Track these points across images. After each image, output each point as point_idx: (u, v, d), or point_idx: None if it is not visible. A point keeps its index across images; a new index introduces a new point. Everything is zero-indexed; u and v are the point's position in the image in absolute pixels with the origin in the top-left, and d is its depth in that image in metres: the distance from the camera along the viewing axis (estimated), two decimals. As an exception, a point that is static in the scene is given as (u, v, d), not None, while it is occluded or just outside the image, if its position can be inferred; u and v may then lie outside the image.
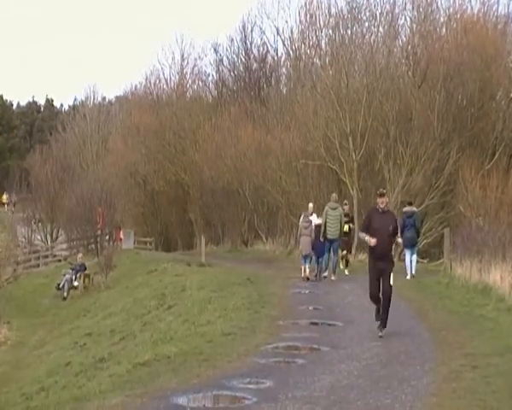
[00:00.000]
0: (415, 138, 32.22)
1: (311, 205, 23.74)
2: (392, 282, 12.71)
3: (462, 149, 32.13)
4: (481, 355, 10.58)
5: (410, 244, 22.44)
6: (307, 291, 19.39)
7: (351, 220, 25.02)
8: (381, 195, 13.14)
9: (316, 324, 14.33)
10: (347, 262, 24.71)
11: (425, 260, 29.19)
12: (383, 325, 12.79)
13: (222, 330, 13.07)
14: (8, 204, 61.51)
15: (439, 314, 15.02)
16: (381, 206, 13.00)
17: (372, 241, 12.59)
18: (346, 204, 24.78)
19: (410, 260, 22.74)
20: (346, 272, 23.80)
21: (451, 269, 20.61)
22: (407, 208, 22.99)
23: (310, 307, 16.50)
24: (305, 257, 22.17)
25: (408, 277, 22.11)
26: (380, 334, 12.71)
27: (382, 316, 12.80)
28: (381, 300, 12.77)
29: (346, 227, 23.30)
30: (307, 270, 22.06)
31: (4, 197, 63.30)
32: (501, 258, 18.32)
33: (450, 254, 21.94)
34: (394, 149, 32.57)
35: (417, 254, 23.97)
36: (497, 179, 27.97)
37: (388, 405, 8.04)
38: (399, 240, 13.67)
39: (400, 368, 9.96)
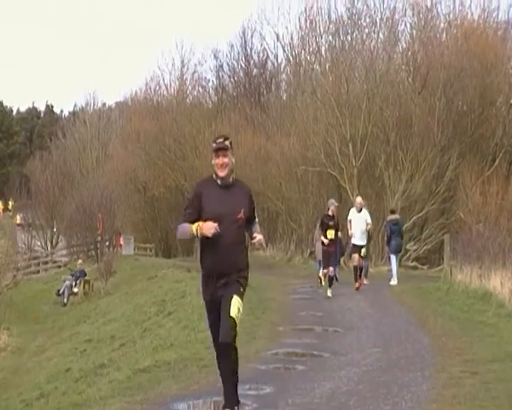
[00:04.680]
0: (415, 145, 32.26)
1: (358, 199, 21.14)
2: (235, 312, 6.76)
3: (463, 155, 32.16)
4: (481, 361, 10.55)
5: (397, 251, 23.05)
6: (307, 297, 19.36)
7: (336, 225, 18.81)
8: (220, 148, 6.78)
9: (316, 330, 14.30)
10: (331, 280, 18.90)
11: (425, 267, 29.20)
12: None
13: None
14: (22, 225, 52.69)
15: (439, 320, 14.99)
16: (221, 173, 6.82)
17: (209, 226, 6.66)
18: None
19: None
20: (329, 294, 18.61)
21: (452, 275, 20.61)
22: (392, 216, 23.35)
23: (310, 313, 16.48)
24: (320, 262, 22.04)
25: (394, 282, 22.17)
26: None
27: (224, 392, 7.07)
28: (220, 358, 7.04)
29: (329, 233, 18.53)
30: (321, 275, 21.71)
31: (18, 218, 55.83)
32: (501, 264, 18.33)
33: (451, 260, 21.99)
34: (394, 156, 32.61)
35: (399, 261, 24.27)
36: (497, 185, 28.02)
37: (388, 411, 8.02)
38: (258, 237, 7.07)
39: (400, 374, 9.93)
